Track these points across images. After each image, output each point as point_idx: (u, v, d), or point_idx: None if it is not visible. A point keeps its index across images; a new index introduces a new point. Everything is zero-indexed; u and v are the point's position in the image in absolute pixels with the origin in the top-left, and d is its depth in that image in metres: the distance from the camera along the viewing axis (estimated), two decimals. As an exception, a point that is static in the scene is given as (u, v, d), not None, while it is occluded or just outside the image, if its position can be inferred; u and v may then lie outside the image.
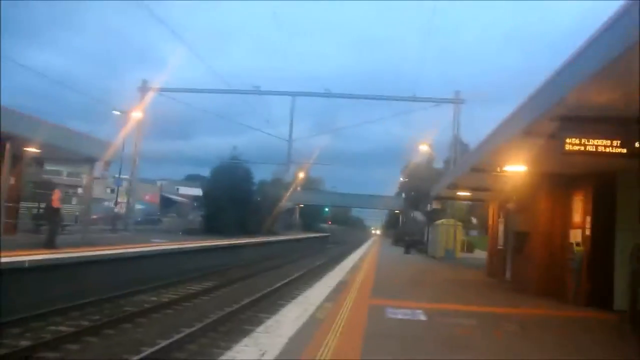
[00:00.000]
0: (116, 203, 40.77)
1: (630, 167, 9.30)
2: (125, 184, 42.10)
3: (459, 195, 23.90)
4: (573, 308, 11.60)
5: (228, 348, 6.33)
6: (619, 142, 7.52)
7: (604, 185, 11.69)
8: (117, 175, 39.56)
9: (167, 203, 62.96)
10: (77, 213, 34.01)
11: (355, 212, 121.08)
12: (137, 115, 36.77)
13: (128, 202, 40.03)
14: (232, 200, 42.53)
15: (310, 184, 78.49)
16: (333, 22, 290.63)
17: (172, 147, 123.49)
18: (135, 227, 38.16)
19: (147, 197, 61.13)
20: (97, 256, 15.63)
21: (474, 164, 14.30)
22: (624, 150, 7.49)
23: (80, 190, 46.42)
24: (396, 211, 67.89)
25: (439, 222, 35.34)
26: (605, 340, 8.54)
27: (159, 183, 72.67)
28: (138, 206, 49.01)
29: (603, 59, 5.65)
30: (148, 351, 8.80)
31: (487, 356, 6.78)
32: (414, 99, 39.82)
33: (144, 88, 39.55)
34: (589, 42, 6.10)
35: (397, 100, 42.99)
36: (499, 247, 20.29)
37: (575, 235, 12.82)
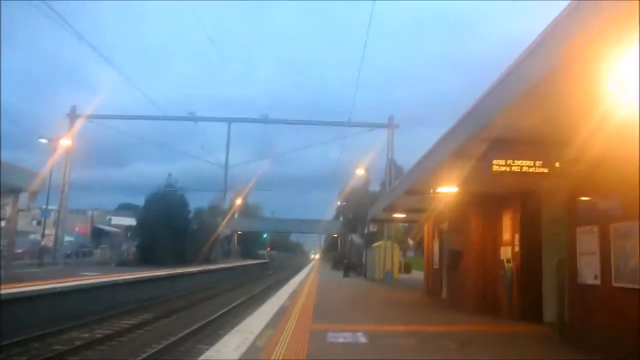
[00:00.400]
0: (43, 235, 38.80)
1: (553, 186, 9.84)
2: (53, 215, 40.25)
3: (395, 217, 24.40)
4: (507, 322, 12.01)
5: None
6: (541, 162, 7.96)
7: (530, 203, 12.27)
8: (44, 207, 37.71)
9: (99, 234, 60.52)
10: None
11: (294, 236, 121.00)
12: (65, 142, 35.38)
13: (56, 234, 38.20)
14: (168, 229, 41.55)
15: (248, 211, 77.91)
16: (269, 47, 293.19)
17: (103, 175, 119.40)
18: (65, 261, 36.47)
19: (77, 228, 58.60)
20: (21, 293, 14.81)
21: (408, 186, 14.68)
22: (546, 170, 7.94)
23: (2, 223, 43.97)
24: (334, 235, 68.34)
25: (377, 244, 35.84)
26: (536, 351, 8.88)
27: (89, 213, 69.83)
28: (68, 238, 46.85)
29: (524, 84, 6.00)
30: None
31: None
32: (349, 124, 40.55)
33: (72, 115, 38.20)
34: (511, 68, 6.47)
35: (333, 125, 43.65)
36: (435, 267, 20.79)
37: (506, 252, 13.35)
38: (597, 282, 9.08)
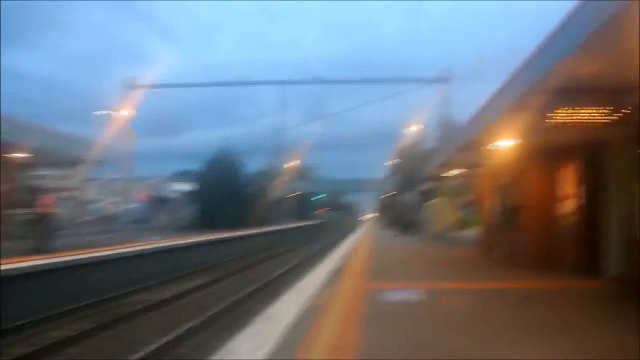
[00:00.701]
0: (109, 203, 40.53)
1: (620, 135, 9.29)
2: (117, 183, 41.82)
3: (450, 173, 23.93)
4: (569, 277, 11.65)
5: (229, 339, 6.29)
6: (608, 109, 7.50)
7: (596, 154, 11.69)
8: (109, 175, 39.28)
9: (159, 201, 62.68)
10: (70, 216, 33.89)
11: (350, 197, 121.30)
12: (125, 113, 36.39)
13: (121, 202, 39.76)
14: (225, 193, 42.49)
15: (303, 173, 78.47)
16: (316, 9, 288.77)
17: (162, 143, 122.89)
18: (129, 227, 38.04)
19: (138, 196, 60.83)
20: (93, 258, 15.56)
21: (465, 141, 14.27)
22: (615, 117, 7.48)
23: (72, 193, 46.11)
24: (390, 193, 68.00)
25: (433, 201, 35.43)
26: (601, 305, 8.57)
27: (150, 180, 72.28)
28: (130, 205, 48.78)
29: (587, 30, 5.59)
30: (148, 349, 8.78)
31: (485, 331, 6.78)
32: (401, 80, 39.74)
33: (130, 85, 39.09)
34: (572, 13, 6.03)
35: (386, 82, 42.89)
36: (493, 223, 20.35)
37: (569, 206, 12.86)
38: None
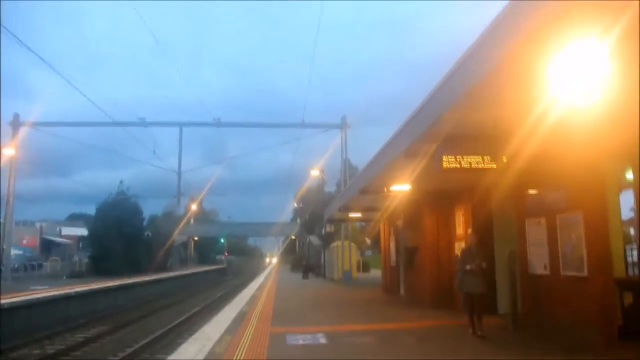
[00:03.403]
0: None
1: (501, 181, 10.11)
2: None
3: (350, 216, 24.56)
4: (463, 316, 12.23)
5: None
6: (489, 157, 8.17)
7: (481, 198, 12.55)
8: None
9: (48, 245, 58.43)
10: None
11: (252, 240, 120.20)
12: (9, 152, 33.98)
13: (2, 248, 36.60)
14: (121, 237, 40.56)
15: (204, 216, 76.87)
16: (214, 49, 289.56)
17: (51, 185, 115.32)
18: (13, 275, 35.05)
19: (25, 241, 56.40)
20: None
21: (362, 186, 14.81)
22: (494, 165, 8.16)
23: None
24: (292, 237, 68.27)
25: (334, 244, 35.98)
26: (491, 342, 9.10)
27: (38, 224, 67.41)
28: (15, 251, 45.08)
29: (467, 84, 6.16)
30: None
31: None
32: (303, 125, 40.55)
33: (15, 123, 36.69)
34: (454, 69, 6.61)
35: (286, 127, 43.60)
36: (392, 265, 21.04)
37: (460, 247, 13.62)
38: (547, 272, 9.40)
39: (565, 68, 4.90)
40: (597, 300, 7.97)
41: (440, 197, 14.44)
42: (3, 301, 16.36)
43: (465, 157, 8.17)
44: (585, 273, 8.20)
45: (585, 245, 8.22)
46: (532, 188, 10.05)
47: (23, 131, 36.55)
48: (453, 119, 7.19)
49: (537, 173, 9.23)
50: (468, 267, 9.64)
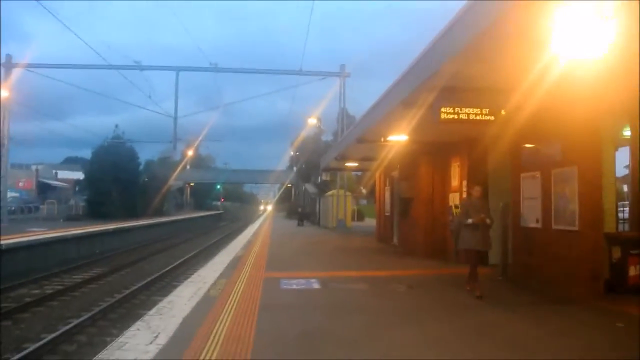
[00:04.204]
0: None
1: (498, 134, 10.09)
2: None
3: (347, 165, 24.63)
4: (454, 266, 12.48)
5: (120, 334, 6.13)
6: (487, 110, 8.13)
7: (477, 151, 12.57)
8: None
9: (45, 189, 58.60)
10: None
11: (248, 187, 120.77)
12: (2, 93, 33.52)
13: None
14: (117, 182, 40.66)
15: (200, 162, 76.97)
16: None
17: (46, 128, 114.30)
18: (10, 217, 35.29)
19: (20, 184, 56.55)
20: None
21: (359, 135, 14.76)
22: (492, 118, 8.13)
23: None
24: (288, 185, 68.61)
25: (330, 193, 36.24)
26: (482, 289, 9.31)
27: (34, 167, 67.37)
28: (11, 194, 45.23)
29: (469, 35, 6.04)
30: (31, 348, 8.29)
31: (378, 315, 7.16)
32: (301, 72, 40.02)
33: (8, 64, 36.07)
34: (456, 18, 6.47)
35: (284, 74, 43.04)
36: (387, 214, 21.26)
37: (454, 199, 13.75)
38: (539, 225, 9.53)
39: (569, 22, 4.81)
40: (587, 254, 8.11)
41: (436, 148, 14.45)
42: (3, 242, 16.54)
43: (463, 108, 8.13)
44: (576, 227, 8.32)
45: (578, 200, 8.30)
46: (529, 142, 10.06)
47: (16, 73, 35.98)
48: (453, 70, 7.10)
49: (535, 127, 9.21)
50: (470, 220, 8.70)
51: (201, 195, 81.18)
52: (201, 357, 5.05)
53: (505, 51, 6.22)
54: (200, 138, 57.88)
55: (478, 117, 8.18)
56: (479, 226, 8.64)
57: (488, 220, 8.69)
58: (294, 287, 9.47)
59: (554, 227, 8.97)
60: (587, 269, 8.09)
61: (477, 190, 9.07)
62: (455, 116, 8.12)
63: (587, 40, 4.88)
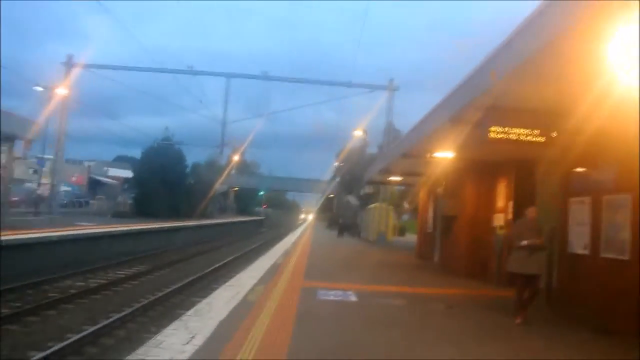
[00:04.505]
0: (39, 184, 38.80)
1: (549, 156, 9.85)
2: (49, 164, 40.12)
3: (391, 179, 24.47)
4: (495, 288, 12.20)
5: (158, 332, 6.27)
6: (538, 131, 7.95)
7: (525, 172, 12.29)
8: (40, 156, 37.59)
9: (95, 185, 60.68)
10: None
11: (290, 195, 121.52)
12: (62, 91, 34.95)
13: (52, 184, 38.18)
14: (164, 182, 41.68)
15: (245, 168, 77.95)
16: (266, 5, 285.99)
17: (99, 126, 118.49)
18: (61, 210, 36.64)
19: (73, 179, 58.66)
20: (17, 240, 14.96)
21: (405, 149, 14.67)
22: (543, 139, 7.94)
23: None
24: (331, 195, 68.67)
25: (372, 205, 36.07)
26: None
27: (86, 164, 69.77)
28: (64, 188, 46.96)
29: (526, 52, 5.94)
30: (73, 338, 8.55)
31: (414, 332, 7.07)
32: (350, 84, 40.15)
33: (69, 63, 37.61)
34: (514, 34, 6.38)
35: (333, 85, 43.23)
36: (429, 231, 21.00)
37: (499, 219, 13.46)
38: (586, 252, 9.21)
39: (628, 46, 4.67)
40: (636, 285, 7.79)
41: (483, 167, 14.20)
42: (54, 234, 17.19)
43: (513, 128, 7.98)
44: (626, 256, 8.00)
45: (630, 229, 8.00)
46: (580, 166, 9.76)
47: (75, 72, 37.48)
48: (505, 88, 6.99)
49: (587, 151, 8.93)
50: (524, 242, 8.28)
51: (244, 200, 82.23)
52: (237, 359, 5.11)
53: (560, 73, 6.08)
54: (246, 144, 58.67)
55: (528, 138, 8.01)
56: (532, 249, 8.30)
57: (544, 243, 8.38)
58: (332, 298, 9.45)
59: (602, 254, 8.66)
60: (635, 300, 7.77)
61: (532, 211, 8.71)
62: (505, 136, 7.97)
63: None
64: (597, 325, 8.15)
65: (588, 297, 8.96)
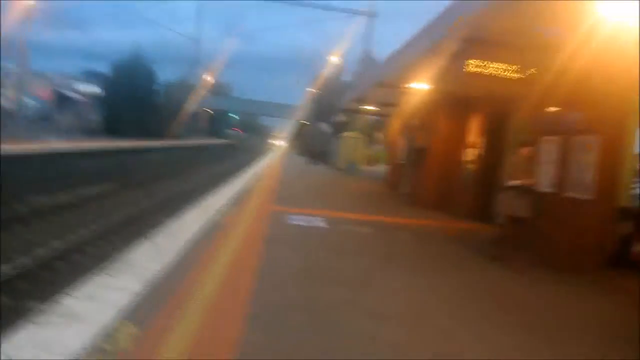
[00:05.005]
0: (2, 96, 37.39)
1: (525, 93, 9.87)
2: (13, 75, 38.47)
3: (365, 109, 24.37)
4: (462, 221, 12.52)
5: (128, 251, 6.30)
6: (516, 67, 7.93)
7: (499, 109, 12.33)
8: (4, 67, 36.02)
9: (62, 100, 58.79)
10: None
11: (263, 119, 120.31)
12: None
13: (17, 96, 36.83)
14: (134, 100, 40.69)
15: (218, 89, 76.38)
16: None
17: (66, 37, 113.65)
18: (28, 125, 35.59)
19: (40, 92, 56.67)
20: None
21: (381, 78, 14.51)
22: (520, 76, 7.93)
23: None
24: (304, 122, 68.24)
25: (345, 134, 36.07)
26: (485, 246, 9.41)
27: (53, 77, 67.26)
28: (30, 102, 45.47)
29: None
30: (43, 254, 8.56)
31: (379, 259, 7.27)
32: (328, 7, 39.03)
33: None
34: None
35: (310, 6, 41.99)
36: (399, 162, 21.19)
37: (469, 154, 13.63)
38: (552, 190, 9.45)
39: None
40: (596, 224, 8.08)
41: (457, 101, 14.18)
42: (19, 149, 16.79)
43: (490, 63, 7.93)
44: (589, 197, 8.25)
45: (595, 170, 8.19)
46: (554, 106, 9.83)
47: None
48: (484, 21, 6.87)
49: (562, 92, 8.97)
50: (516, 182, 8.05)
51: (216, 122, 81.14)
52: (203, 280, 5.19)
53: (546, 8, 5.98)
54: (219, 64, 57.26)
55: (506, 74, 7.99)
56: (523, 190, 8.02)
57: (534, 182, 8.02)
58: (301, 222, 9.59)
59: (567, 194, 8.91)
60: (595, 239, 8.08)
61: (526, 151, 8.43)
62: (482, 70, 7.94)
63: (634, 6, 4.67)
64: (557, 260, 8.50)
65: (550, 233, 9.28)
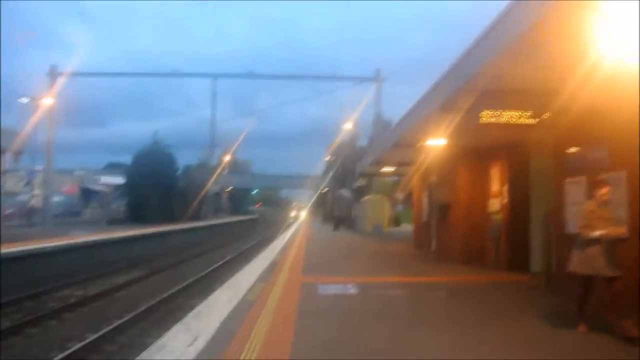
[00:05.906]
0: (31, 196, 38.50)
1: (541, 137, 9.84)
2: (40, 176, 39.76)
3: (383, 171, 24.46)
4: (495, 273, 12.21)
5: (160, 336, 6.20)
6: (529, 113, 7.93)
7: (518, 155, 12.28)
8: (30, 167, 37.32)
9: (87, 193, 60.21)
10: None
11: (283, 192, 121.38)
12: (47, 101, 34.62)
13: (44, 195, 37.88)
14: (157, 186, 41.50)
15: (237, 167, 77.71)
16: (245, 5, 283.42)
17: (88, 134, 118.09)
18: (54, 221, 36.36)
19: (65, 189, 58.15)
20: (13, 253, 14.81)
21: (396, 139, 14.63)
22: (535, 121, 7.92)
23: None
24: (324, 190, 68.59)
25: (366, 198, 36.06)
26: (524, 297, 9.08)
27: (77, 173, 69.22)
28: (56, 198, 46.63)
29: (512, 34, 5.91)
30: (75, 347, 8.48)
31: (416, 321, 7.04)
32: (336, 77, 40.10)
33: (52, 73, 37.28)
34: (499, 17, 6.35)
35: (319, 79, 43.20)
36: (424, 220, 20.98)
37: (494, 204, 13.46)
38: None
39: (615, 23, 4.64)
40: (633, 262, 7.77)
41: (475, 153, 14.18)
42: (48, 245, 17.04)
43: (504, 111, 7.96)
44: (625, 234, 7.99)
45: (626, 206, 7.98)
46: (574, 146, 9.75)
47: (60, 82, 37.17)
48: (493, 72, 6.96)
49: (580, 130, 8.92)
50: (597, 233, 6.23)
51: (238, 199, 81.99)
52: (240, 358, 5.06)
53: (549, 52, 6.05)
54: (236, 143, 58.46)
55: (520, 121, 7.99)
56: (604, 242, 6.28)
57: (622, 232, 6.41)
58: (332, 292, 9.41)
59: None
60: (633, 279, 7.76)
61: (605, 193, 6.46)
62: (496, 119, 7.95)
63: (633, 42, 4.70)
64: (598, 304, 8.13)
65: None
